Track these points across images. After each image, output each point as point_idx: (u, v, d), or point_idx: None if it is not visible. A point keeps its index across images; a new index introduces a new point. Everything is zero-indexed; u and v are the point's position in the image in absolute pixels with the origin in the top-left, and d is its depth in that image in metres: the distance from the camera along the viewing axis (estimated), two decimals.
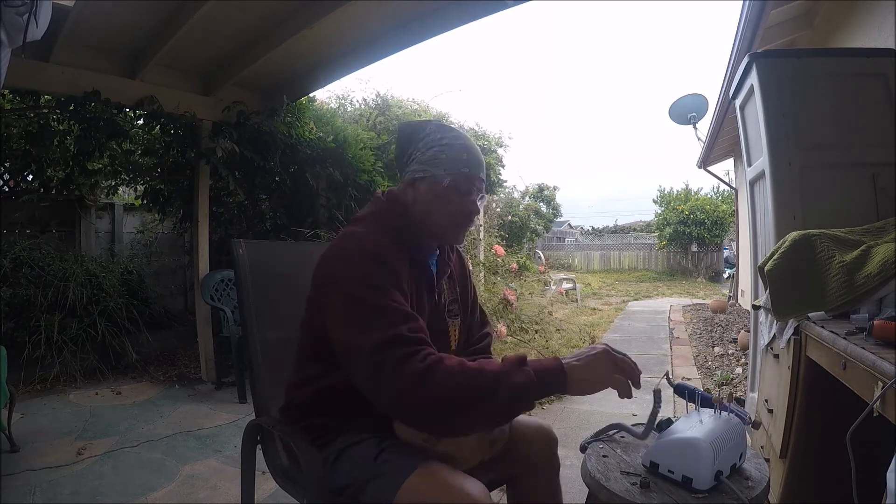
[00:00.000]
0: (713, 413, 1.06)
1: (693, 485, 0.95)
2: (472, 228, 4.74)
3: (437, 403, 0.85)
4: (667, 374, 1.22)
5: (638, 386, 0.92)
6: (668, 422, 1.08)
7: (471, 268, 1.35)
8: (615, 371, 0.91)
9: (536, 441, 1.20)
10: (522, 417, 1.24)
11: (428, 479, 0.92)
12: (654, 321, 6.96)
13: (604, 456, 1.11)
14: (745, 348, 4.29)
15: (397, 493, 0.91)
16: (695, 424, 1.02)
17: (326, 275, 1.03)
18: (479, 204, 1.14)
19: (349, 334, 0.93)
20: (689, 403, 1.14)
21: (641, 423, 1.26)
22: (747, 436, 1.12)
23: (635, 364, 0.94)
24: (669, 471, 0.98)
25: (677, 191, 16.29)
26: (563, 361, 0.90)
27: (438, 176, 1.08)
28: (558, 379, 0.88)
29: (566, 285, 9.36)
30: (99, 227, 4.85)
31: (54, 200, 4.26)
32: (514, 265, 5.17)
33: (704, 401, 1.11)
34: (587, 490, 1.06)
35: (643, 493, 0.95)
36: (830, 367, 1.17)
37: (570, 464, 2.17)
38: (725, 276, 12.11)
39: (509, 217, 10.73)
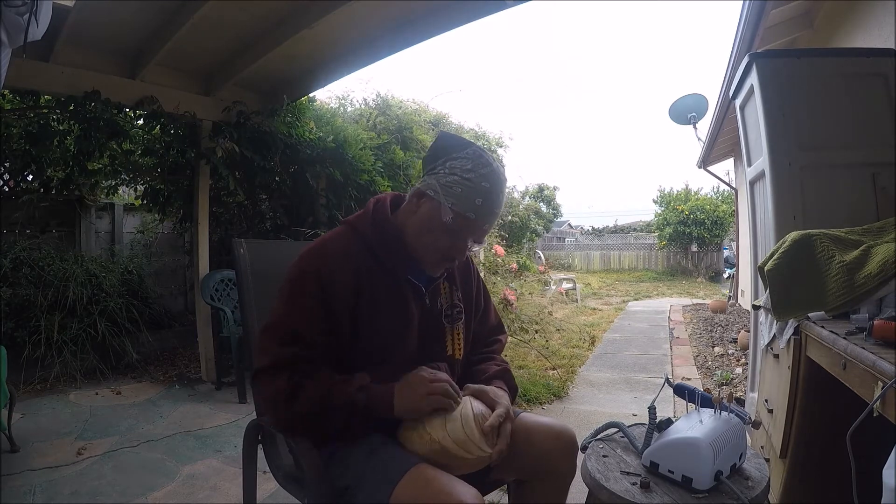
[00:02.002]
0: (713, 413, 1.06)
1: (693, 485, 0.95)
2: None
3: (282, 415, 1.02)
4: (666, 378, 1.22)
5: (452, 406, 1.02)
6: (668, 422, 1.08)
7: (479, 276, 1.32)
8: (431, 392, 1.01)
9: (558, 445, 1.16)
10: (545, 419, 1.22)
11: (420, 483, 0.92)
12: (654, 321, 6.96)
13: (604, 456, 1.11)
14: (744, 348, 4.29)
15: (391, 496, 0.91)
16: (695, 424, 1.02)
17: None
18: (470, 250, 1.13)
19: (266, 323, 1.07)
20: (689, 404, 1.14)
21: (639, 424, 1.26)
22: (747, 436, 1.12)
23: (449, 386, 1.03)
24: (669, 471, 0.98)
25: (677, 191, 16.27)
26: (394, 396, 1.02)
27: (443, 207, 1.05)
28: (387, 406, 1.02)
29: (566, 285, 9.37)
30: (99, 227, 4.85)
31: (54, 200, 4.26)
32: (514, 265, 5.17)
33: (704, 401, 1.11)
34: (586, 490, 1.07)
35: (643, 494, 0.95)
36: (830, 367, 1.17)
37: None
38: (725, 275, 12.10)
39: (509, 217, 10.72)
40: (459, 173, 1.05)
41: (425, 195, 1.08)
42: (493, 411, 1.05)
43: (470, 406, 1.04)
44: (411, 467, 0.94)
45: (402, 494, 0.91)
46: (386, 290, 1.09)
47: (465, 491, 0.91)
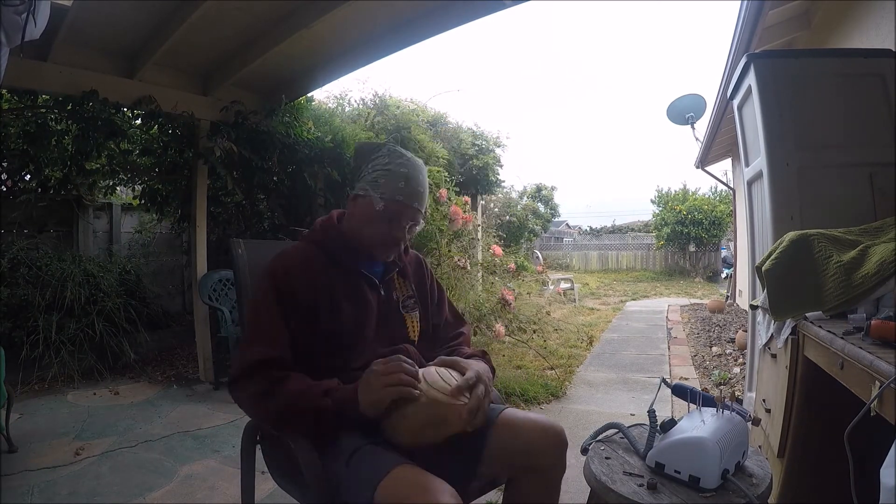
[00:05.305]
0: (715, 412, 1.06)
1: (701, 484, 0.95)
2: (470, 228, 4.75)
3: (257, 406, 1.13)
4: (663, 379, 1.22)
5: (415, 388, 1.04)
6: (672, 422, 1.07)
7: (431, 273, 1.46)
8: (387, 384, 1.03)
9: (544, 440, 1.17)
10: (532, 414, 1.24)
11: (401, 481, 0.94)
12: (651, 321, 6.97)
13: (606, 458, 1.10)
14: (742, 348, 4.30)
15: (375, 495, 0.93)
16: (698, 424, 1.02)
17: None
18: (410, 231, 1.24)
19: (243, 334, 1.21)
20: (690, 404, 1.14)
21: (639, 424, 1.26)
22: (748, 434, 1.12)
23: (404, 368, 1.05)
24: (676, 471, 0.98)
25: (675, 191, 16.26)
26: (357, 394, 1.06)
27: (374, 199, 1.18)
28: (353, 406, 1.06)
29: (564, 285, 9.36)
30: (97, 227, 4.84)
31: (52, 200, 4.24)
32: (512, 265, 5.15)
33: (704, 401, 1.11)
34: (585, 490, 1.07)
35: (651, 495, 0.95)
36: (828, 366, 1.17)
37: (570, 463, 2.17)
38: (723, 276, 12.13)
39: (507, 217, 10.75)
40: (381, 168, 1.20)
41: (358, 196, 1.22)
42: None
43: (435, 368, 1.12)
44: (393, 467, 0.96)
45: (385, 493, 0.93)
46: (342, 281, 1.21)
47: (444, 489, 0.93)
